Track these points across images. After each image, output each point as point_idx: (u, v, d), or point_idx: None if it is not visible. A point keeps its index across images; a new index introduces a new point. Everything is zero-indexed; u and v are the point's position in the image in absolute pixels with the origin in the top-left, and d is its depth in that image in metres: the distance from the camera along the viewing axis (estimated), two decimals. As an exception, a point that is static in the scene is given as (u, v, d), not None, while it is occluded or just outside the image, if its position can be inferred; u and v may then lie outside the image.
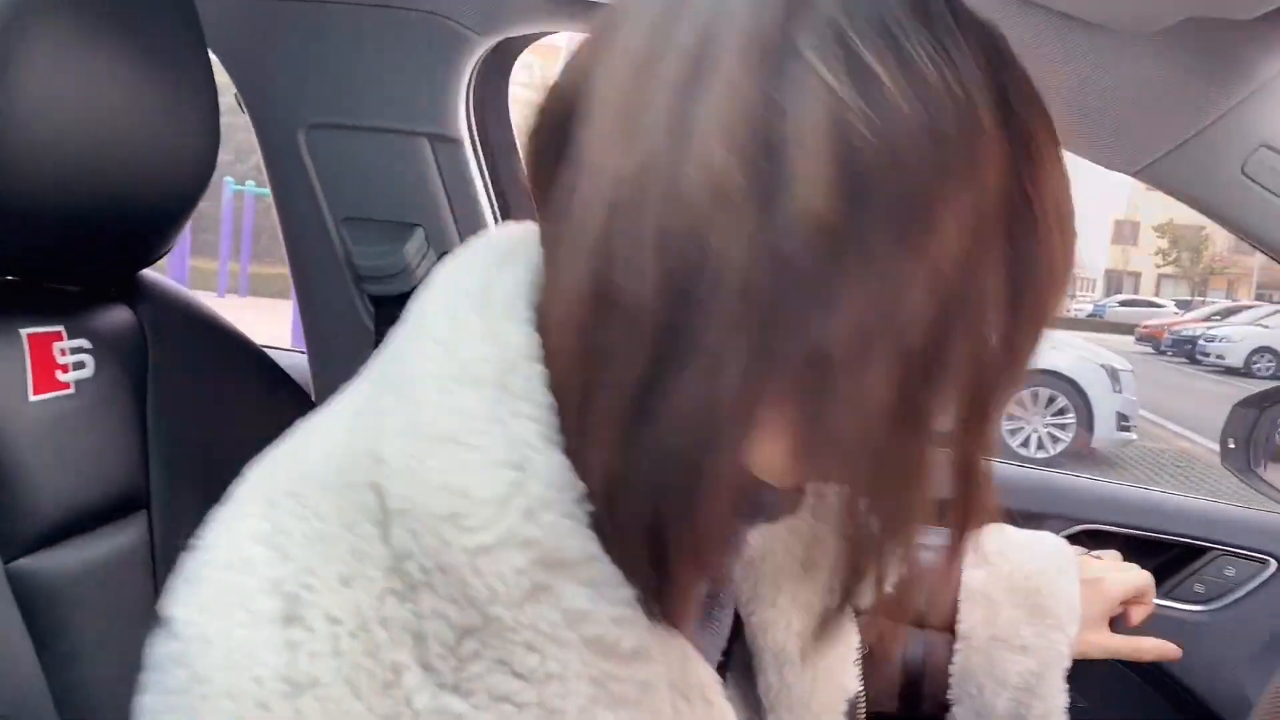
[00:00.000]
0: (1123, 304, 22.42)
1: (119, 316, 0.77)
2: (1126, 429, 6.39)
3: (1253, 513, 1.07)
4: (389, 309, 1.12)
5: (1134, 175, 0.78)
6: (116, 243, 0.73)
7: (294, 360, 1.22)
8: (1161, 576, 1.00)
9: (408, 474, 0.34)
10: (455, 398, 0.35)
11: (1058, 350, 6.36)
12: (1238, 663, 1.00)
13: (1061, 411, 6.33)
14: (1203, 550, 1.05)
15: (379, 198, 1.10)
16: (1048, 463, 5.83)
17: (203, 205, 0.80)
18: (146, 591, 0.72)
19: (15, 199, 0.61)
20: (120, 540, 0.72)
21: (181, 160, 0.73)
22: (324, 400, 1.15)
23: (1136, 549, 1.02)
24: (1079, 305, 22.50)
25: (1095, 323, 19.81)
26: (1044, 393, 6.31)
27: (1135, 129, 0.74)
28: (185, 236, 0.84)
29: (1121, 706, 1.04)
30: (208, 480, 0.80)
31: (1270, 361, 13.18)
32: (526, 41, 1.09)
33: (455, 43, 1.01)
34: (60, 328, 0.70)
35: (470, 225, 1.10)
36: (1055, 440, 6.33)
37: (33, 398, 0.66)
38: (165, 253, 0.80)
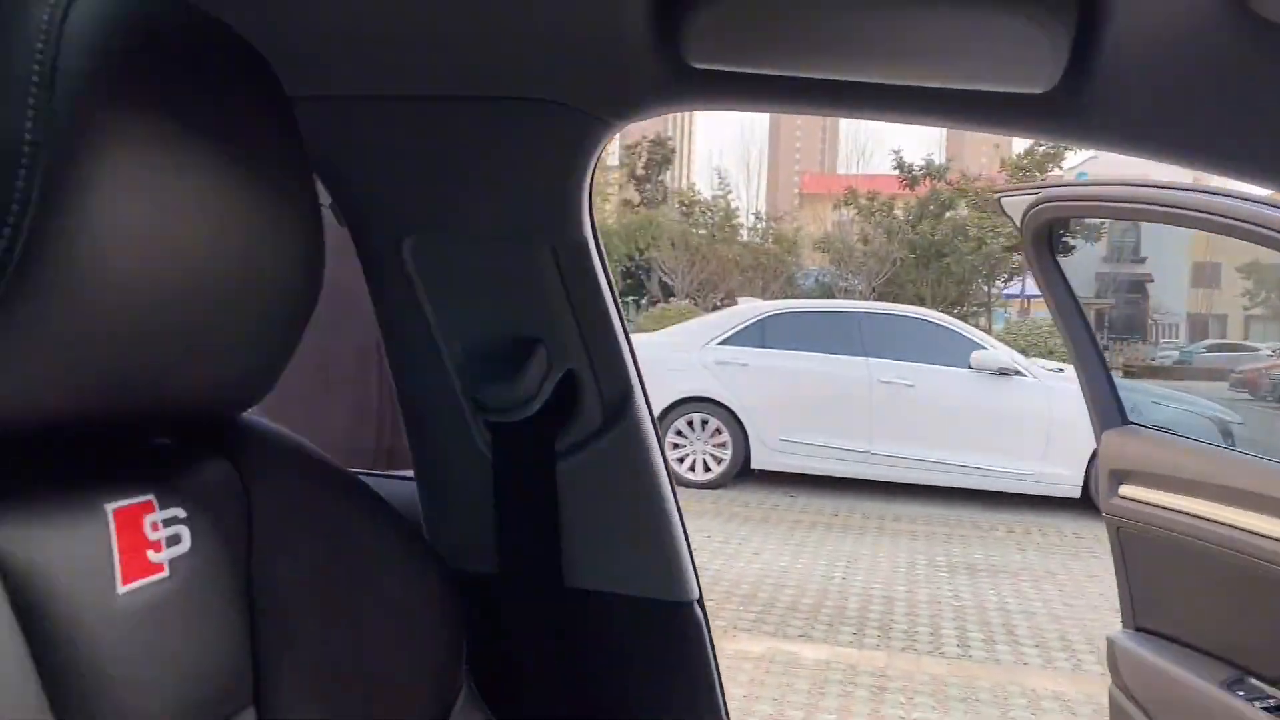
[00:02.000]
0: (1210, 349, 21.64)
1: (217, 472, 0.66)
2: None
3: None
4: (509, 435, 1.00)
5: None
6: (215, 382, 0.62)
7: (399, 488, 1.11)
8: None
9: None
10: None
11: (1159, 404, 6.07)
12: None
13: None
14: None
15: (493, 312, 1.00)
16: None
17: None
18: None
19: (96, 340, 0.51)
20: None
21: (286, 283, 0.62)
22: (436, 537, 1.04)
23: None
24: (1164, 353, 21.78)
25: (1184, 370, 19.13)
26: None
27: None
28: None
29: None
30: (324, 662, 0.70)
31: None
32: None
33: (581, 133, 0.91)
34: (150, 496, 0.58)
35: (598, 336, 0.99)
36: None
37: (121, 589, 0.55)
38: (268, 391, 0.68)
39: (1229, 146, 0.77)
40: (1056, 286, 2.03)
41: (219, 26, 0.58)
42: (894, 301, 14.83)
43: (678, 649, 1.06)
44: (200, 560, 0.61)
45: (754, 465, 7.51)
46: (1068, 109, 0.77)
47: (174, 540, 0.59)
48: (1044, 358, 10.56)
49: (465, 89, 0.89)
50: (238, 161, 0.57)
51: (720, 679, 1.08)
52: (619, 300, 1.03)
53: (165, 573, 0.58)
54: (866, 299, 17.96)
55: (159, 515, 0.59)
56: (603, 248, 1.01)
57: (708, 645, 1.06)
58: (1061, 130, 0.84)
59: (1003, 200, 2.11)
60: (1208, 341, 23.38)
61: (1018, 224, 2.03)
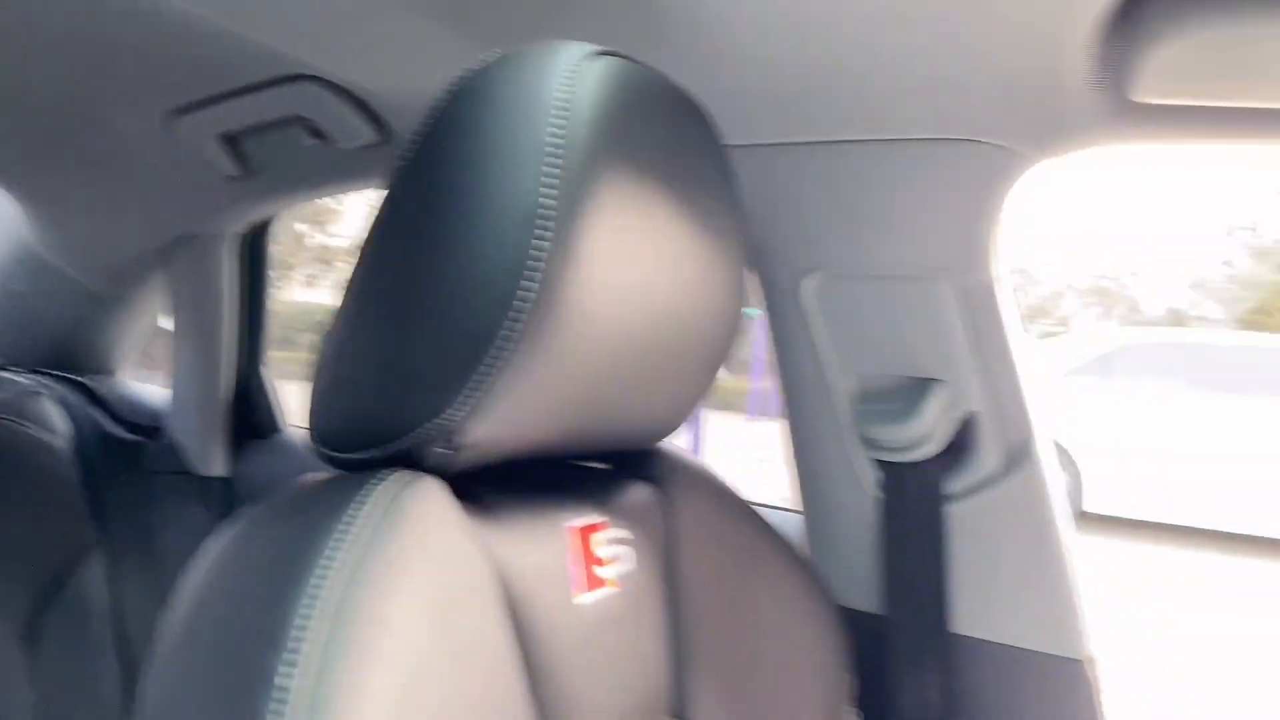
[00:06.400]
0: None
1: (647, 496, 0.74)
2: None
3: None
4: (900, 475, 1.02)
5: None
6: (649, 415, 0.70)
7: (786, 519, 1.17)
8: None
9: None
10: None
11: None
12: None
13: None
14: None
15: (891, 351, 1.01)
16: None
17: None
18: None
19: (579, 378, 0.58)
20: None
21: (715, 326, 0.69)
22: (823, 567, 1.08)
23: None
24: None
25: None
26: None
27: None
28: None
29: None
30: (733, 681, 0.75)
31: None
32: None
33: (1000, 170, 0.89)
34: (603, 517, 0.67)
35: (1001, 378, 0.98)
36: None
37: (576, 598, 0.63)
38: (684, 422, 0.76)
39: None
40: None
41: (676, 89, 0.64)
42: (1262, 331, 13.04)
43: (1064, 707, 1.02)
44: (642, 577, 0.68)
45: (1086, 507, 6.92)
46: None
47: (619, 558, 0.67)
48: None
49: (885, 133, 0.90)
50: (691, 214, 0.63)
51: None
52: (1024, 342, 1.00)
53: (616, 588, 0.66)
54: (1228, 328, 15.92)
55: (607, 534, 0.66)
56: (1011, 285, 0.99)
57: (1096, 705, 1.01)
58: None
59: None
60: None
61: None
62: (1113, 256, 22.24)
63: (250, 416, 1.63)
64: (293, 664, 0.45)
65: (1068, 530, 1.02)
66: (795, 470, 1.12)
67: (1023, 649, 1.02)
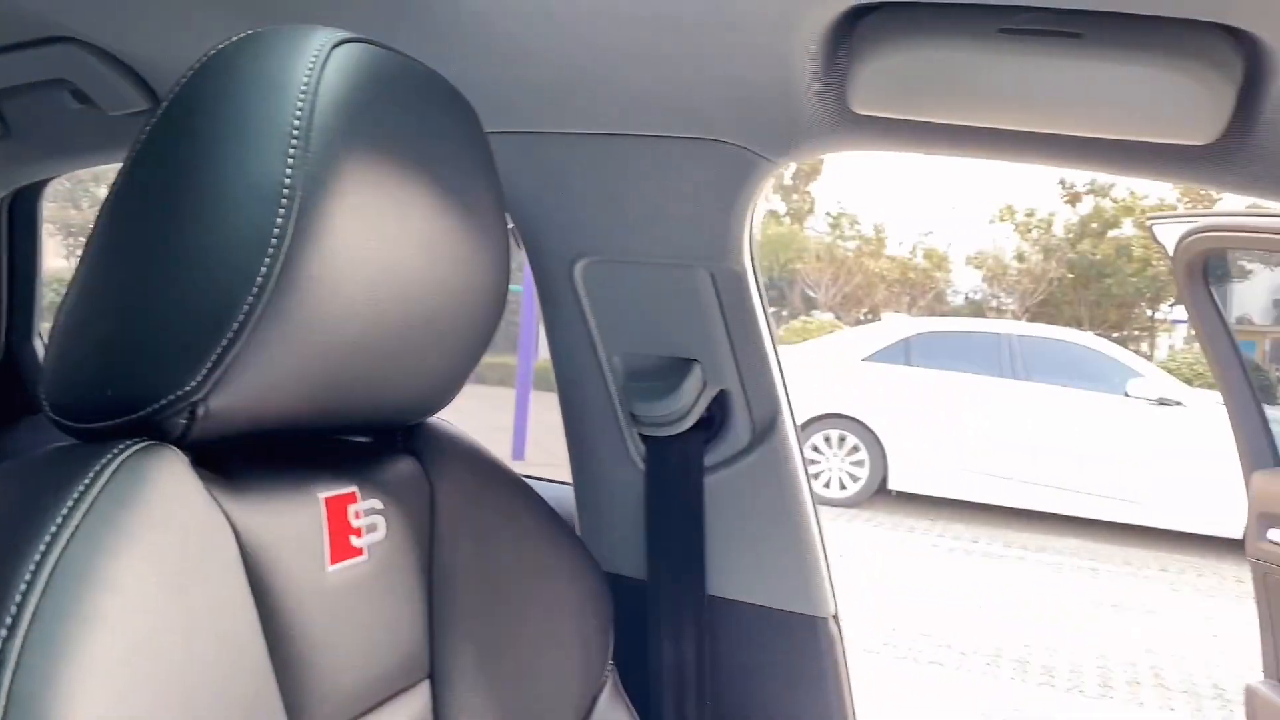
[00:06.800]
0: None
1: (406, 469, 0.75)
2: None
3: None
4: (662, 449, 1.10)
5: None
6: (411, 391, 0.72)
7: (556, 492, 1.22)
8: None
9: None
10: None
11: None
12: None
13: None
14: None
15: (654, 332, 1.08)
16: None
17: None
18: None
19: (327, 353, 0.60)
20: (406, 713, 0.70)
21: (478, 304, 0.71)
22: (590, 540, 1.13)
23: None
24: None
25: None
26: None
27: None
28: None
29: None
30: (490, 643, 0.78)
31: None
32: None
33: (745, 171, 0.96)
34: (354, 488, 0.68)
35: (750, 359, 1.06)
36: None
37: (330, 567, 0.64)
38: (451, 399, 0.79)
39: None
40: (1208, 318, 1.98)
41: (433, 75, 0.67)
42: (1049, 323, 14.22)
43: (812, 661, 1.10)
44: (392, 546, 0.70)
45: (891, 485, 7.40)
46: (1231, 159, 0.78)
47: (372, 528, 0.68)
48: (1212, 389, 9.93)
49: (640, 128, 0.96)
50: (446, 196, 0.65)
51: (852, 694, 1.12)
52: (772, 326, 1.09)
53: (365, 556, 0.67)
54: (1019, 319, 17.28)
55: (361, 505, 0.68)
56: (759, 276, 1.07)
57: (841, 660, 1.11)
58: (1224, 179, 0.84)
59: (1155, 227, 2.08)
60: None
61: (1169, 252, 2.00)
62: (920, 249, 23.64)
63: (20, 391, 1.54)
64: (2, 624, 0.45)
65: (811, 497, 1.12)
66: (568, 444, 1.17)
67: (772, 608, 1.11)
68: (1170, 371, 8.19)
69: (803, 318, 20.17)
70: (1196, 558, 6.44)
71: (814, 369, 7.55)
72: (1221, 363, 1.99)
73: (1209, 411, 6.77)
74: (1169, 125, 0.72)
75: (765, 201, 1.07)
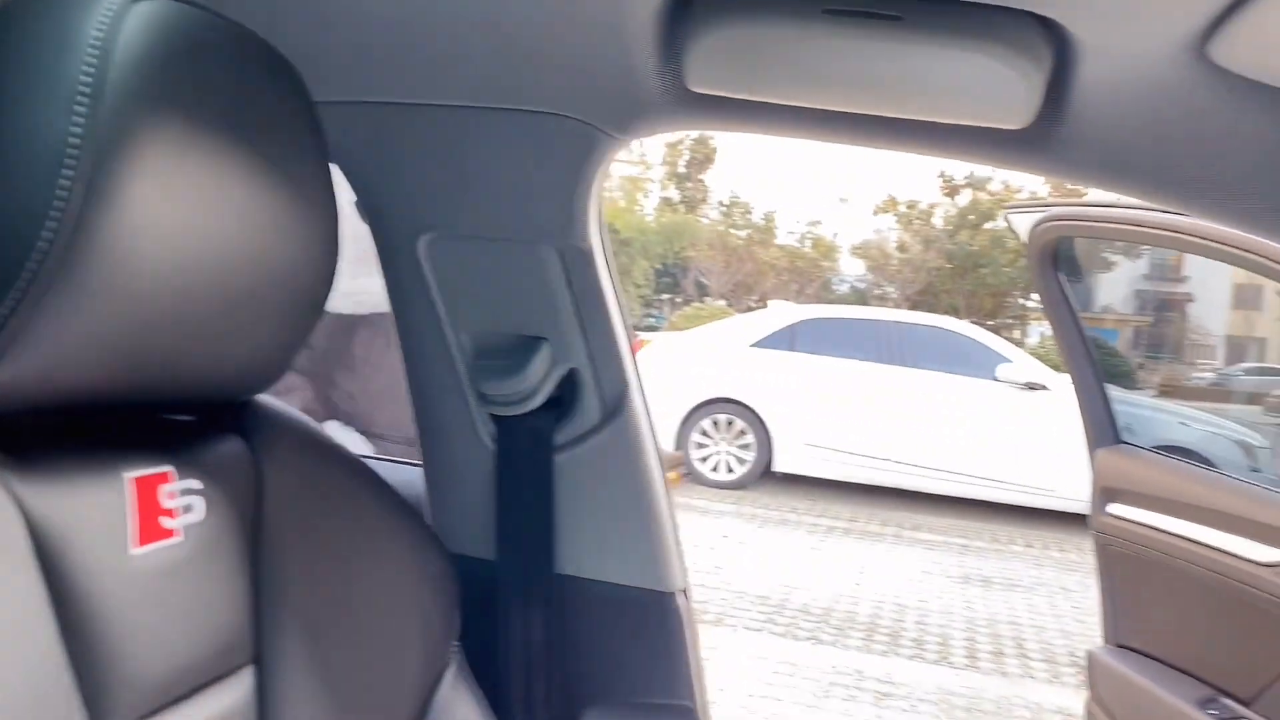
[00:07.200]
0: (1249, 372, 21.26)
1: (231, 448, 0.72)
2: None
3: None
4: (511, 428, 1.08)
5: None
6: (232, 366, 0.68)
7: (406, 473, 1.19)
8: None
9: None
10: None
11: (1186, 425, 6.05)
12: None
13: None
14: None
15: (502, 310, 1.06)
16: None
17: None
18: None
19: (126, 323, 0.56)
20: (226, 700, 0.67)
21: (302, 277, 0.68)
22: (439, 522, 1.09)
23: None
24: (1200, 374, 21.39)
25: (1219, 392, 18.81)
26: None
27: None
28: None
29: None
30: (321, 628, 0.76)
31: None
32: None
33: (589, 146, 0.95)
34: (169, 468, 0.64)
35: (599, 337, 1.06)
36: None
37: (135, 550, 0.61)
38: (280, 377, 0.75)
39: (1196, 185, 0.81)
40: (1057, 304, 2.08)
41: (251, 38, 0.63)
42: (929, 311, 14.76)
43: (661, 636, 1.11)
44: (212, 529, 0.66)
45: (776, 468, 7.55)
46: (1045, 145, 0.81)
47: (188, 509, 0.65)
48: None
49: (482, 100, 0.94)
50: (264, 163, 0.62)
51: (700, 666, 1.13)
52: (622, 304, 1.08)
53: (179, 538, 0.63)
54: (900, 307, 17.87)
55: (176, 485, 0.64)
56: (609, 253, 1.06)
57: (689, 633, 1.12)
58: (1039, 164, 0.87)
59: (1011, 216, 2.17)
60: (1246, 365, 22.94)
61: (1024, 239, 2.09)
62: (808, 239, 24.18)
63: None
64: None
65: (661, 474, 1.12)
66: (417, 424, 1.15)
67: (622, 585, 1.10)
68: (1039, 357, 8.59)
69: (695, 304, 20.42)
70: (1060, 533, 6.79)
71: (704, 354, 7.65)
72: (1068, 345, 2.09)
73: (1072, 394, 7.12)
74: (984, 110, 0.74)
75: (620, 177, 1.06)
